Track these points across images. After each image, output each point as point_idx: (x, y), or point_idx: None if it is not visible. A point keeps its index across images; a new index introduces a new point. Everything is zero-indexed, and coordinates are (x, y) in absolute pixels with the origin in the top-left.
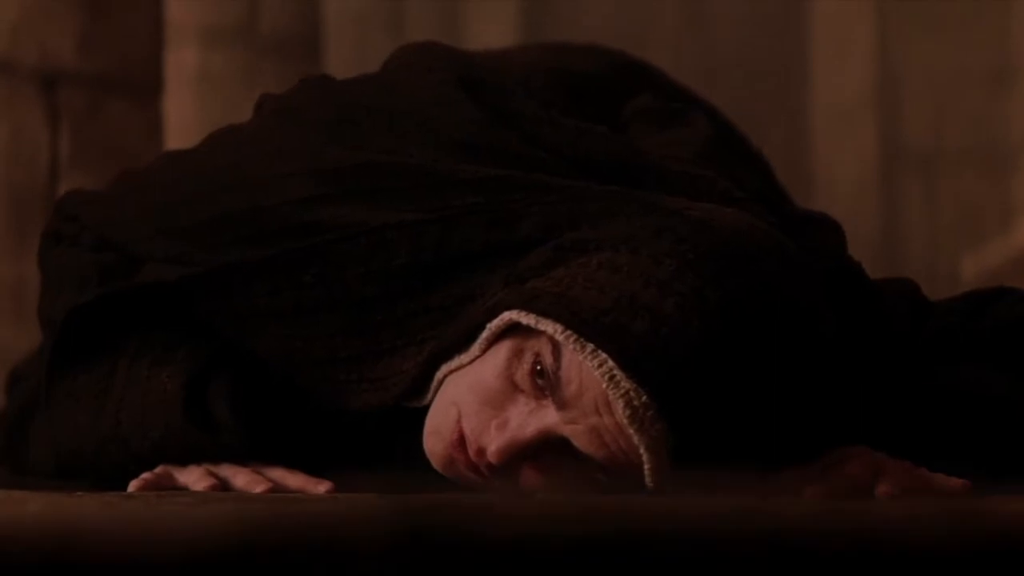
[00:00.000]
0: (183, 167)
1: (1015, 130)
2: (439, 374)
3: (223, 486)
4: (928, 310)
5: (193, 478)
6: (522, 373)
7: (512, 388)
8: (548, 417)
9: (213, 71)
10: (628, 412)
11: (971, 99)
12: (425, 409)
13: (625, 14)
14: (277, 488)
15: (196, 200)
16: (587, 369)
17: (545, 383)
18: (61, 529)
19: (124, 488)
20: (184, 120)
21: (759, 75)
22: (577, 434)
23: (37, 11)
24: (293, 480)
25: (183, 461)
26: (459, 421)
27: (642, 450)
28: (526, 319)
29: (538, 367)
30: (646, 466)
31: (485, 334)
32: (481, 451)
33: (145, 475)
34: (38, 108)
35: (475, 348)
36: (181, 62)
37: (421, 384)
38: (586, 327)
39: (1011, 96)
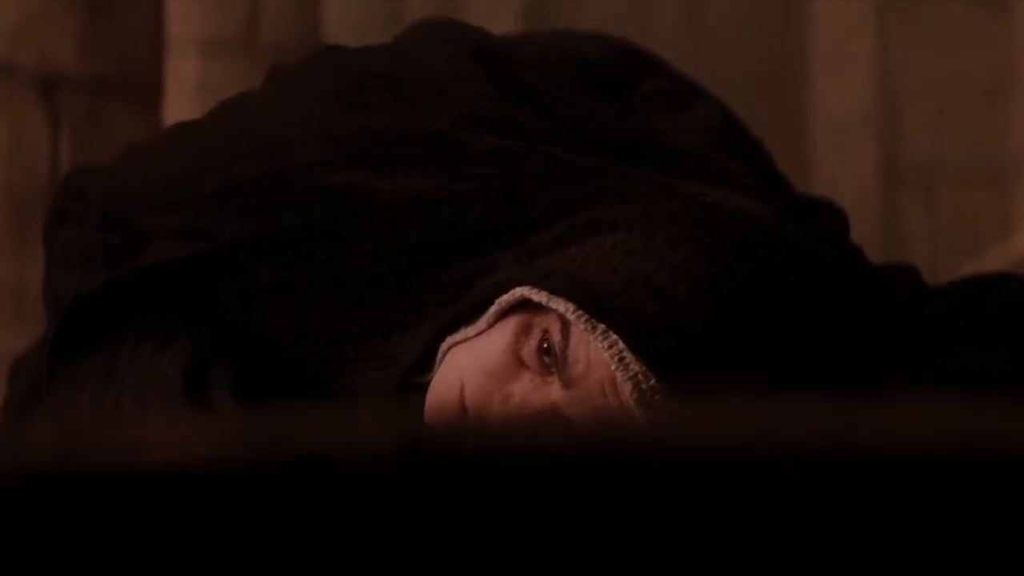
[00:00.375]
0: (190, 137)
1: (1015, 141)
2: (443, 346)
3: None
4: (928, 295)
5: None
6: (529, 349)
7: (518, 364)
8: (552, 395)
9: (213, 81)
10: (636, 395)
11: (971, 111)
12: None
13: (625, 13)
14: None
15: (204, 170)
16: (596, 350)
17: (552, 361)
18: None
19: None
20: None
21: (759, 82)
22: (581, 414)
23: (37, 14)
24: None
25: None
26: (462, 393)
27: None
28: (537, 296)
29: (545, 344)
30: None
31: (494, 308)
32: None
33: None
34: (38, 111)
35: (482, 322)
36: (182, 74)
37: (426, 358)
38: (598, 307)
39: (1011, 107)
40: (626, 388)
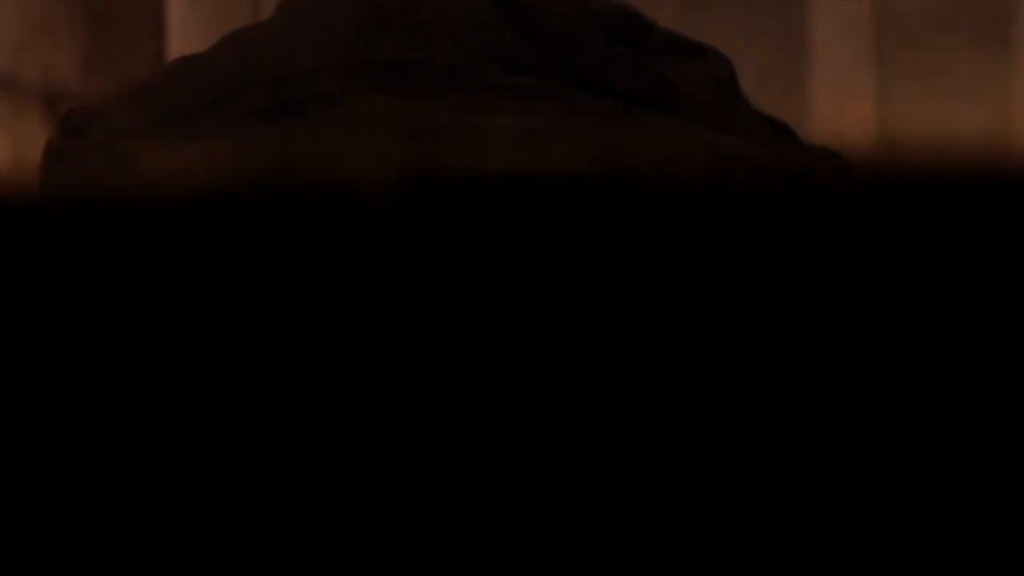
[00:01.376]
0: (198, 69)
1: None
2: None
3: None
4: None
5: None
6: None
7: None
8: None
9: None
10: None
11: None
12: None
13: None
14: None
15: (214, 101)
16: None
17: None
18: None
19: None
20: None
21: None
22: None
23: (40, 30)
24: None
25: None
26: None
27: None
28: None
29: None
30: None
31: None
32: None
33: None
34: (41, 127)
35: None
36: None
37: None
38: None
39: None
40: None
